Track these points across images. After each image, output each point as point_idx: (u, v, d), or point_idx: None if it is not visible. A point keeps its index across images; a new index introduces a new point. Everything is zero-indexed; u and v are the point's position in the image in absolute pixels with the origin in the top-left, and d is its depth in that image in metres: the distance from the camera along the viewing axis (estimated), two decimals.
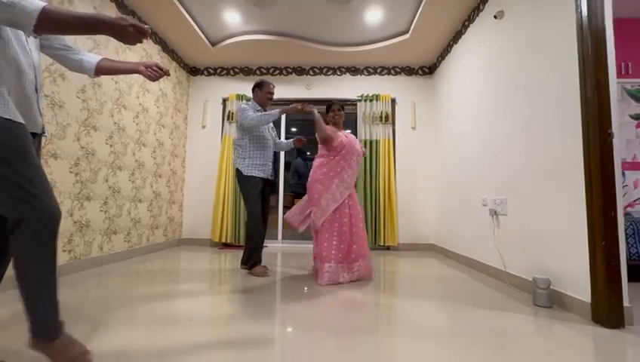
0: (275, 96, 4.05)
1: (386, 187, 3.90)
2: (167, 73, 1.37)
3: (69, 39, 1.33)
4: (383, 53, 3.85)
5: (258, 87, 2.63)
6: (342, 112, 2.52)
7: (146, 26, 1.02)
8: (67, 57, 1.27)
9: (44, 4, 0.89)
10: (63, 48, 1.26)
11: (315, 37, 3.71)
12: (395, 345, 1.33)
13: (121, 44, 2.83)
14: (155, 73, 1.36)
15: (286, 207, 4.34)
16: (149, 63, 1.36)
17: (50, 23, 0.90)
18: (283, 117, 4.29)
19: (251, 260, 2.46)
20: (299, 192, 5.36)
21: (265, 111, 2.60)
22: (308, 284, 2.20)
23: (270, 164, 2.60)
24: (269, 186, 2.63)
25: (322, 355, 1.18)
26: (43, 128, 1.17)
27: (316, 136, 2.39)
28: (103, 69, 1.32)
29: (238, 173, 2.53)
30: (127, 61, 1.31)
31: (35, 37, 1.12)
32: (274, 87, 2.66)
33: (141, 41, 1.05)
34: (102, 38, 2.62)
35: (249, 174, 2.48)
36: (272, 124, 2.69)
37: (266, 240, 4.10)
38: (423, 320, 1.58)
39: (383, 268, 2.90)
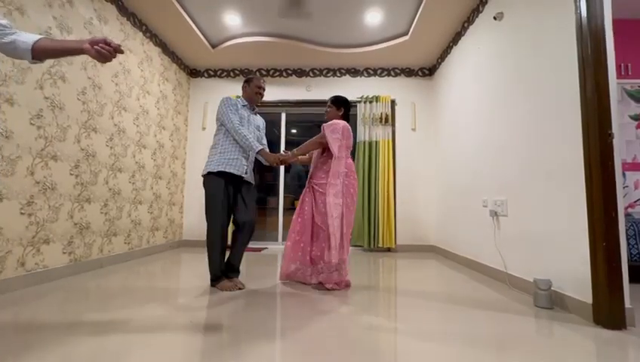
0: (276, 98, 4.14)
1: (386, 188, 3.89)
2: (118, 50, 1.16)
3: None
4: (383, 54, 3.86)
5: (247, 82, 2.36)
6: (329, 109, 2.36)
7: (115, 43, 1.12)
8: None
9: (37, 38, 1.09)
10: None
11: (315, 39, 3.72)
12: (396, 346, 1.33)
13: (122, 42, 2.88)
14: (103, 51, 1.12)
15: (287, 209, 4.35)
16: (95, 39, 1.12)
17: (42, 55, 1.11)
18: (283, 117, 4.31)
19: (211, 274, 2.10)
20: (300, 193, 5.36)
21: (253, 107, 2.34)
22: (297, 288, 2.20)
23: (244, 160, 2.17)
24: (245, 187, 2.21)
25: (322, 354, 1.18)
26: None
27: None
28: (42, 51, 1.10)
29: (203, 177, 2.16)
30: (70, 40, 1.17)
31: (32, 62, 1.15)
32: (264, 82, 2.38)
33: (115, 57, 1.16)
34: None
35: (211, 170, 2.10)
36: (259, 125, 2.36)
37: (266, 242, 4.14)
38: (423, 321, 1.58)
39: (383, 270, 2.89)
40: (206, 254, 2.11)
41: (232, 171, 2.11)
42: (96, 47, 1.12)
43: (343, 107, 2.35)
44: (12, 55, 1.10)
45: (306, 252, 2.22)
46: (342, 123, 2.24)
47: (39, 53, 1.10)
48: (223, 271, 2.13)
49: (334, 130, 2.20)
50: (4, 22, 1.07)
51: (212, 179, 2.11)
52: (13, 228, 1.91)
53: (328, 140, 2.18)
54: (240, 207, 2.18)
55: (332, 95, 2.41)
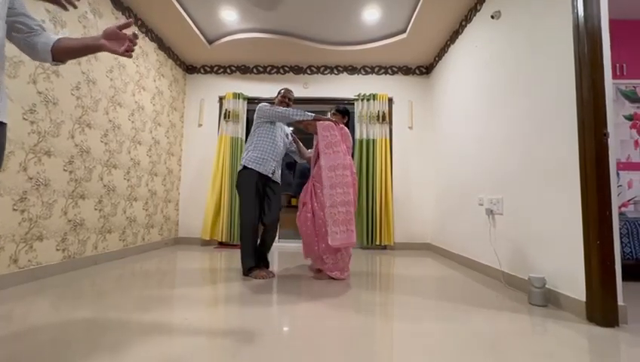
0: (272, 95, 4.06)
1: (383, 186, 3.90)
2: (135, 38, 1.07)
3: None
4: (381, 52, 3.85)
5: (277, 93, 2.67)
6: (333, 117, 2.57)
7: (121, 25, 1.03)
8: (25, 41, 1.01)
9: (56, 38, 1.02)
10: (25, 31, 1.00)
11: (312, 36, 3.70)
12: (392, 344, 1.33)
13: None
14: (129, 45, 1.05)
15: (287, 207, 4.35)
16: (110, 32, 1.03)
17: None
18: None
19: (244, 266, 2.34)
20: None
21: None
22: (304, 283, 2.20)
23: (271, 161, 2.41)
24: (271, 186, 2.46)
25: (321, 353, 1.18)
26: None
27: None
28: (63, 51, 1.03)
29: (239, 173, 2.42)
30: (87, 37, 1.10)
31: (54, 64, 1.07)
32: (290, 91, 2.64)
33: (136, 37, 1.07)
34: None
35: (244, 164, 2.37)
36: (287, 133, 2.67)
37: None
38: (418, 319, 1.59)
39: (379, 267, 2.90)
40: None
41: (260, 170, 2.35)
42: (113, 42, 1.04)
43: (347, 116, 2.65)
44: (35, 57, 1.04)
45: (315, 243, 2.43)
46: (344, 128, 2.50)
47: (59, 53, 1.03)
48: (257, 262, 2.37)
49: (326, 128, 2.38)
50: (32, 24, 1.01)
51: (246, 173, 2.36)
52: (6, 224, 1.88)
53: (319, 135, 2.36)
54: (266, 207, 2.43)
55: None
